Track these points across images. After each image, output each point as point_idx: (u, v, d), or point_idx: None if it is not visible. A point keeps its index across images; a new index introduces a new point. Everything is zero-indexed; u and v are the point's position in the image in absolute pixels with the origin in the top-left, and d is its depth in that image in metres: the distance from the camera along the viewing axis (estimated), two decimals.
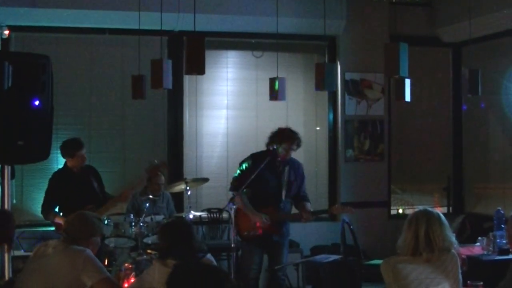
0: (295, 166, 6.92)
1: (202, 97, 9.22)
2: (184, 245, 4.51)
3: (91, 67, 8.86)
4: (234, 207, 6.37)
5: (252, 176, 6.40)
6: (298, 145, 6.81)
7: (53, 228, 7.07)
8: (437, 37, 9.91)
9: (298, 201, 6.94)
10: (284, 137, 6.77)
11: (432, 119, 10.18)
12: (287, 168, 6.79)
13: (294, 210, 6.98)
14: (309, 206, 6.88)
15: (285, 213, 6.81)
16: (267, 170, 6.57)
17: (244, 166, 6.82)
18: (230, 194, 6.73)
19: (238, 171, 6.83)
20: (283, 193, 6.75)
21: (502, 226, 6.82)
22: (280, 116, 9.06)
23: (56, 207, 7.00)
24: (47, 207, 7.01)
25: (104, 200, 7.01)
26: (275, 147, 6.68)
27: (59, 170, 7.25)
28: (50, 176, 7.14)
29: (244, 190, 6.52)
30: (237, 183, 6.70)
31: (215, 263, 4.63)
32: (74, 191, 6.86)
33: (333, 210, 7.12)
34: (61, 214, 6.80)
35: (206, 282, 2.79)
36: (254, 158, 6.81)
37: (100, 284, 4.27)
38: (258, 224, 6.65)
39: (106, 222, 6.86)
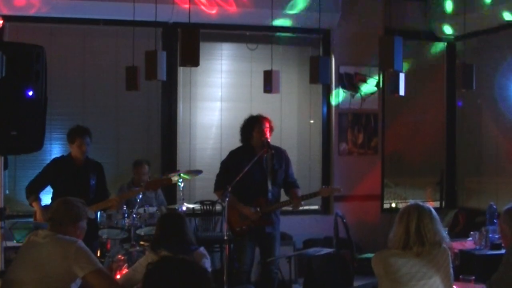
0: (278, 153, 6.85)
1: (196, 89, 9.21)
2: (176, 237, 4.53)
3: (85, 58, 8.83)
4: (227, 199, 6.37)
5: (239, 174, 6.35)
6: (270, 124, 6.77)
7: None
8: (431, 31, 9.91)
9: (288, 188, 6.94)
10: (252, 121, 6.78)
11: (426, 113, 10.19)
12: (269, 156, 6.73)
13: (283, 197, 6.99)
14: (299, 193, 6.87)
15: (275, 203, 6.78)
16: (248, 162, 6.46)
17: (223, 165, 6.88)
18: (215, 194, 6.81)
19: (219, 170, 6.88)
20: (269, 182, 6.72)
21: (495, 220, 6.86)
22: (274, 109, 9.06)
23: (42, 191, 6.94)
24: (32, 187, 6.91)
25: (99, 198, 6.82)
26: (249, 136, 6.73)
27: (61, 156, 7.19)
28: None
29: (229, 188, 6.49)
30: (219, 183, 6.75)
31: (207, 256, 4.63)
32: (68, 182, 6.75)
33: (321, 192, 7.12)
34: (50, 202, 6.71)
35: (184, 281, 2.77)
36: (231, 155, 6.87)
37: (92, 275, 4.25)
38: (249, 216, 6.65)
39: (99, 213, 6.85)
